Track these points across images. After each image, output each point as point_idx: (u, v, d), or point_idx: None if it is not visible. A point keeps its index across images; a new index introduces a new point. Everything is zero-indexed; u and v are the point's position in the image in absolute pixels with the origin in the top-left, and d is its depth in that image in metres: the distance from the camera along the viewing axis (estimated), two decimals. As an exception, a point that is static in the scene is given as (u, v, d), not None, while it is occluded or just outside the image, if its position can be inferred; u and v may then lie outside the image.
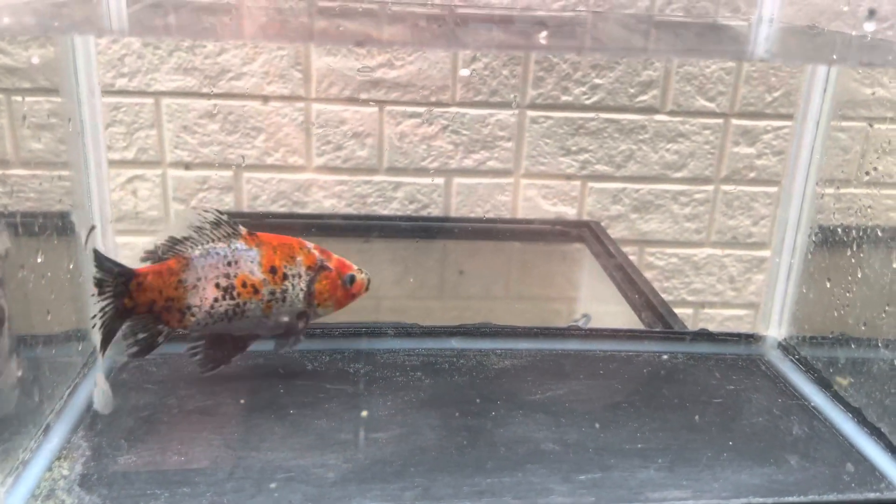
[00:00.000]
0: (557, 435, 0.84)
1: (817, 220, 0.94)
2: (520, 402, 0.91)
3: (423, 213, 1.73)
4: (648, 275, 1.80)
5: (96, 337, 0.82)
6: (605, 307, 1.58)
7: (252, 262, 0.85)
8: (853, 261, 0.87)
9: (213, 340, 0.88)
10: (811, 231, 0.96)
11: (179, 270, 0.83)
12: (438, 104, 1.65)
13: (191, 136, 1.62)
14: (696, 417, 0.88)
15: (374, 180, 1.69)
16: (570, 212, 1.75)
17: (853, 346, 0.89)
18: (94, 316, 0.81)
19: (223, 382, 0.90)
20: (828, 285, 0.93)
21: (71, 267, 0.88)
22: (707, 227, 1.77)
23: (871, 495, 0.76)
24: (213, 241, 0.84)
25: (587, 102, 1.67)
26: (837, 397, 0.91)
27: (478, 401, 0.90)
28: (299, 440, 0.81)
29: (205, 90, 1.59)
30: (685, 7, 1.63)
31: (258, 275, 0.85)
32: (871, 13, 0.67)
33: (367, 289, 0.93)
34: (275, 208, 1.68)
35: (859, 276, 0.86)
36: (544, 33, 0.94)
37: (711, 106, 1.69)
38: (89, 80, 0.88)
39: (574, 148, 1.70)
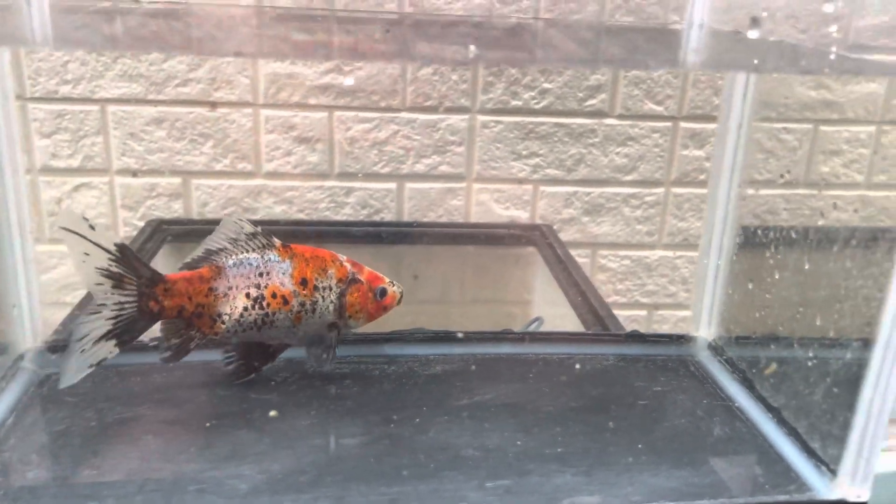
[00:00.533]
0: (479, 441, 0.84)
1: (741, 223, 0.95)
2: (446, 407, 0.91)
3: (376, 218, 1.73)
4: (602, 277, 1.81)
5: (102, 327, 0.81)
6: (555, 310, 1.59)
7: (283, 273, 0.87)
8: (771, 262, 0.88)
9: (245, 349, 0.91)
10: (736, 233, 0.96)
11: (210, 279, 0.85)
12: (388, 109, 1.65)
13: (137, 144, 1.61)
14: (620, 420, 0.89)
15: (325, 185, 1.68)
16: (522, 215, 1.76)
17: (773, 346, 0.90)
18: (102, 304, 0.80)
19: (144, 395, 0.90)
20: (750, 287, 0.93)
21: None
22: (658, 229, 1.78)
23: (781, 497, 0.76)
24: (247, 251, 0.87)
25: (537, 107, 1.67)
26: (760, 398, 0.92)
27: (403, 408, 0.90)
28: (216, 451, 0.80)
29: (151, 97, 1.58)
30: (633, 11, 1.65)
31: (288, 286, 0.87)
32: (754, 21, 0.68)
33: (399, 302, 0.96)
34: (225, 215, 1.67)
35: (777, 277, 0.87)
36: (473, 47, 0.94)
37: (660, 109, 1.70)
38: (2, 85, 0.86)
39: (525, 152, 1.71)
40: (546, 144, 1.71)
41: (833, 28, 0.79)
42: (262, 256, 0.87)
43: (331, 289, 0.89)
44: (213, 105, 1.61)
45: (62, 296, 1.65)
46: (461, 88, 1.66)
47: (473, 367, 1.00)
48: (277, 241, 0.88)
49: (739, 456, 0.84)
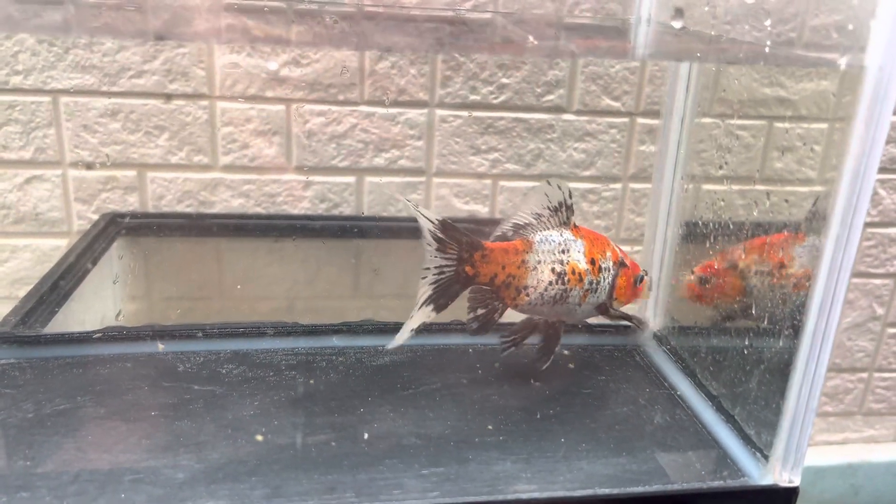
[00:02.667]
0: (422, 429, 0.85)
1: (682, 215, 0.97)
2: (391, 397, 0.91)
3: (335, 212, 1.72)
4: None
5: (424, 292, 0.86)
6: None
7: (579, 251, 0.90)
8: (710, 253, 0.89)
9: (545, 332, 0.95)
10: (679, 225, 0.98)
11: (524, 251, 0.89)
12: (346, 102, 1.65)
13: (91, 136, 1.59)
14: (563, 409, 0.90)
15: (282, 179, 1.67)
16: (482, 210, 1.76)
17: (712, 336, 0.91)
18: (426, 268, 0.85)
19: (85, 386, 0.89)
20: (691, 277, 0.95)
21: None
22: (616, 224, 1.80)
23: (716, 483, 0.78)
24: (548, 228, 0.89)
25: (495, 102, 1.68)
26: (701, 386, 0.94)
27: (348, 398, 0.90)
28: (155, 442, 0.80)
29: (104, 88, 1.56)
30: (592, 8, 1.66)
31: (584, 264, 0.90)
32: (678, 12, 0.69)
33: (650, 289, 0.99)
34: (181, 208, 1.65)
35: (716, 268, 0.88)
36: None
37: (617, 105, 1.71)
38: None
39: (484, 147, 1.71)
40: (505, 139, 1.71)
41: (768, 22, 0.80)
42: (560, 234, 0.89)
43: (609, 270, 0.92)
44: (168, 97, 1.59)
45: (14, 290, 1.62)
46: (419, 82, 1.66)
47: (421, 358, 1.00)
48: (571, 221, 0.91)
49: (678, 443, 0.85)
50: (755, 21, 0.83)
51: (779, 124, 1.74)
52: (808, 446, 0.78)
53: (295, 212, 1.70)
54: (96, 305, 1.43)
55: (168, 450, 0.78)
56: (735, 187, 0.89)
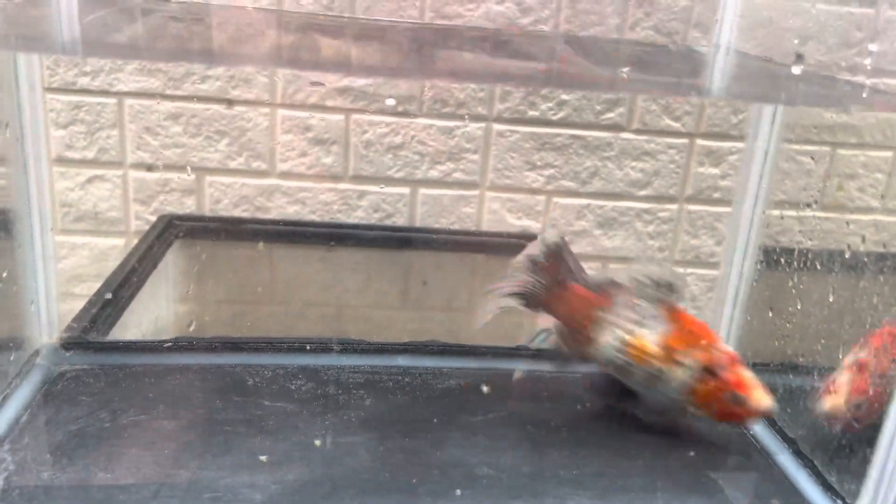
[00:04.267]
0: (493, 459, 0.84)
1: (763, 248, 0.95)
2: (460, 423, 0.90)
3: (388, 222, 1.72)
4: (611, 291, 1.80)
5: None
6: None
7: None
8: (794, 292, 0.87)
9: None
10: (757, 259, 0.96)
11: None
12: (406, 114, 1.65)
13: (153, 138, 1.60)
14: (635, 444, 0.88)
15: (338, 188, 1.68)
16: (534, 226, 1.75)
17: (791, 375, 0.89)
18: None
19: (159, 397, 0.89)
20: (770, 315, 0.93)
21: (4, 275, 0.86)
22: (671, 245, 1.78)
23: (798, 529, 0.76)
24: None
25: (554, 118, 1.67)
26: (776, 427, 0.92)
27: (418, 421, 0.90)
28: (230, 459, 0.80)
29: (168, 92, 1.57)
30: (655, 26, 1.64)
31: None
32: (799, 57, 0.68)
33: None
34: (237, 213, 1.67)
35: (799, 307, 0.86)
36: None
37: (677, 126, 1.69)
38: (30, 75, 0.86)
39: (540, 163, 1.70)
40: (561, 156, 1.70)
41: (867, 59, 0.78)
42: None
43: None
44: (230, 103, 1.60)
45: (71, 287, 1.65)
46: (478, 97, 1.65)
47: (487, 383, 0.99)
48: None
49: (754, 485, 0.84)
50: (852, 55, 0.81)
51: (842, 151, 1.71)
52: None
53: (349, 220, 1.70)
54: (152, 307, 1.45)
55: (244, 468, 0.78)
56: (824, 216, 0.87)
